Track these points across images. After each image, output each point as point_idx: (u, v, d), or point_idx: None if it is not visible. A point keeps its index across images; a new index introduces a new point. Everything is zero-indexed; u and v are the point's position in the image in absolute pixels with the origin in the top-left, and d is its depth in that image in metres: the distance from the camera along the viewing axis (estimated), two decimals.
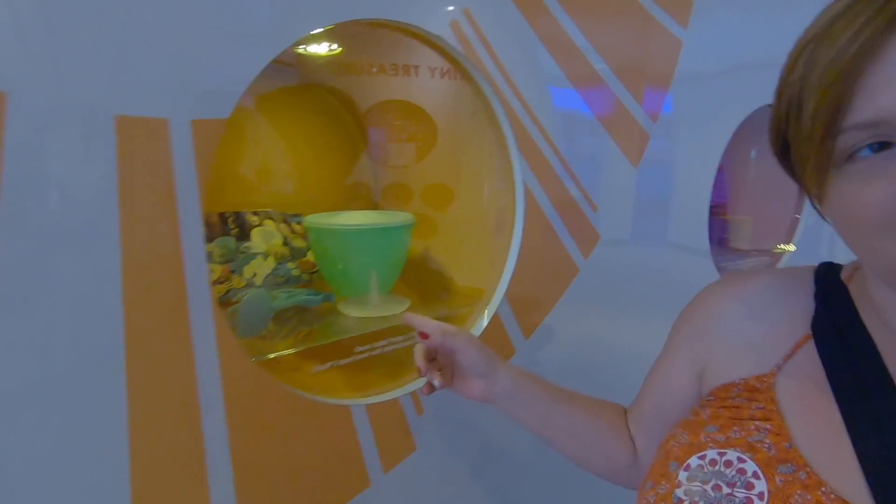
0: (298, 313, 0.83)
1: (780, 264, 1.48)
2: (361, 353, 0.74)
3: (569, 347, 1.00)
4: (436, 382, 0.56)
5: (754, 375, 0.44)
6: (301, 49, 0.85)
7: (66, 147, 0.45)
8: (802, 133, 0.37)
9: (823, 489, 0.35)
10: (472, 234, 1.03)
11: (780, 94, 0.39)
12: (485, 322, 0.87)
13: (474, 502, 0.89)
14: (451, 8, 0.72)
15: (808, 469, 0.37)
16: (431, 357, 0.58)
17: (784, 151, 0.40)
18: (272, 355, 0.65)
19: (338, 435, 0.70)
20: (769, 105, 0.40)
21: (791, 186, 0.41)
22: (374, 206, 1.20)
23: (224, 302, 0.82)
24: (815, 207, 0.41)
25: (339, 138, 1.13)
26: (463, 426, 0.86)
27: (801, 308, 0.45)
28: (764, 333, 0.46)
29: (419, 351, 0.57)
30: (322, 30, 0.61)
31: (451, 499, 0.86)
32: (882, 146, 0.34)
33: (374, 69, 0.95)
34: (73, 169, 0.46)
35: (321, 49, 0.84)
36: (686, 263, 1.18)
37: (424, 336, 0.57)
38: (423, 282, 1.05)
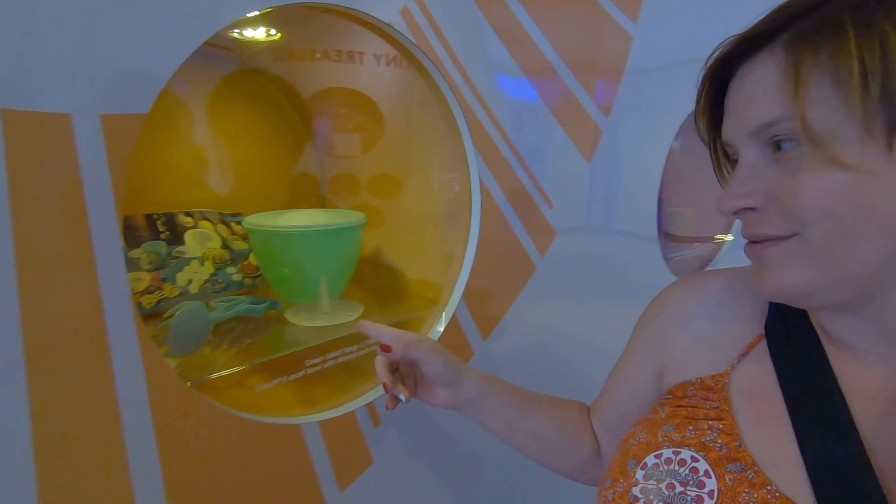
0: (241, 323, 0.76)
1: (721, 253, 1.54)
2: (313, 366, 0.69)
3: (528, 344, 0.99)
4: (402, 397, 0.53)
5: (710, 375, 0.44)
6: (237, 33, 0.78)
7: None
8: (704, 140, 0.46)
9: (769, 487, 0.36)
10: (424, 226, 0.99)
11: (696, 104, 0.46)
12: (442, 326, 0.84)
13: None
14: None
15: (756, 468, 0.38)
16: (394, 368, 0.55)
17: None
18: (212, 376, 0.59)
19: (288, 456, 0.65)
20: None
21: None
22: (321, 202, 1.13)
23: (156, 314, 0.74)
24: None
25: (281, 129, 1.05)
26: (422, 435, 0.82)
27: (755, 308, 0.46)
28: (720, 333, 0.46)
29: (381, 364, 0.54)
30: (260, 13, 0.54)
31: None
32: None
33: (318, 55, 0.89)
34: None
35: (259, 34, 0.77)
36: (639, 252, 1.20)
37: (386, 349, 0.53)
38: (377, 282, 1.00)
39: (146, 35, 0.47)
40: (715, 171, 0.46)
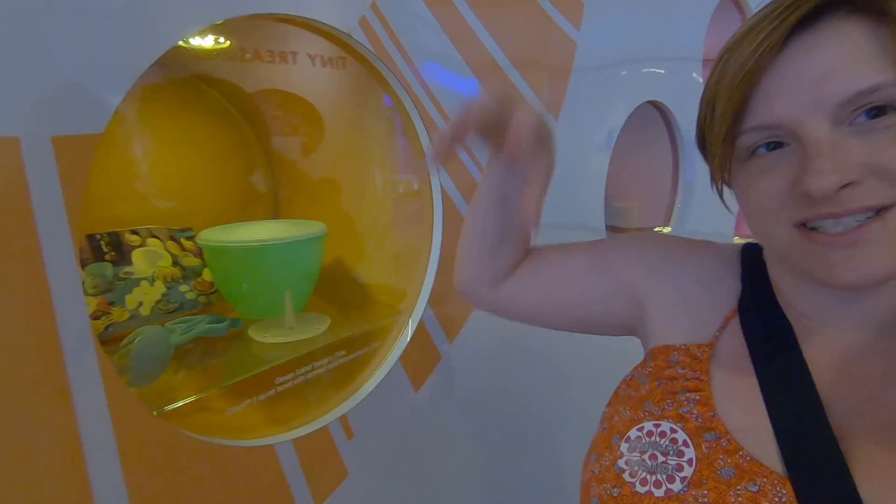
0: (201, 344, 0.73)
1: None
2: (283, 383, 0.67)
3: (493, 344, 1.01)
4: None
5: (696, 344, 0.47)
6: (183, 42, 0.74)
7: None
8: (714, 132, 0.40)
9: (741, 453, 0.39)
10: (385, 231, 0.99)
11: (702, 95, 0.42)
12: (410, 332, 0.84)
13: None
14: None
15: (729, 436, 0.40)
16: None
17: (703, 145, 0.44)
18: (178, 403, 0.56)
19: (262, 478, 0.63)
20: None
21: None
22: (275, 211, 1.10)
23: (106, 341, 0.69)
24: (719, 196, 0.45)
25: (228, 137, 1.01)
26: (396, 445, 0.82)
27: (730, 286, 0.48)
28: (705, 303, 0.49)
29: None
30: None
31: None
32: (776, 146, 0.38)
33: (248, 55, 0.84)
34: None
35: (207, 42, 0.73)
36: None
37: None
38: (340, 292, 0.99)
39: (99, 54, 0.44)
40: (719, 164, 0.41)
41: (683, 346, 0.46)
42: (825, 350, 0.42)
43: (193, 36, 0.64)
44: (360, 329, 0.82)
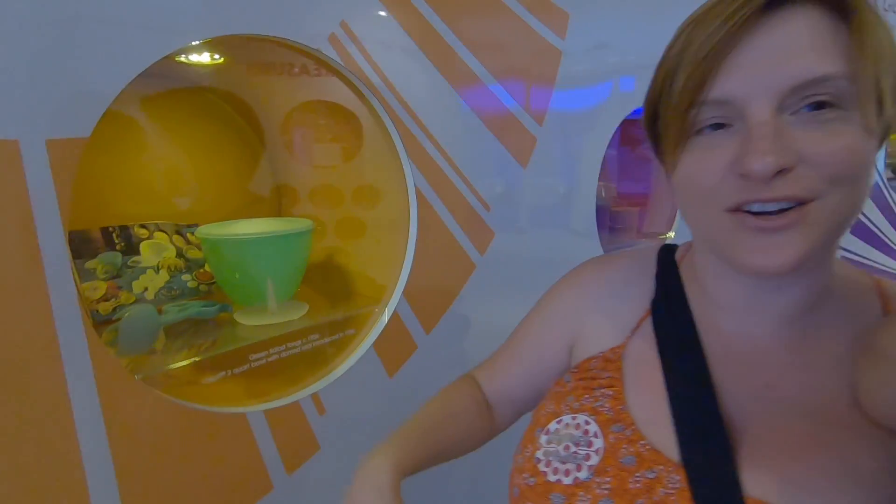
0: (193, 326, 0.82)
1: None
2: (257, 360, 0.75)
3: (470, 336, 1.06)
4: None
5: (610, 348, 0.50)
6: (183, 58, 0.84)
7: None
8: (671, 103, 0.40)
9: (642, 443, 0.42)
10: (374, 231, 1.06)
11: (659, 66, 0.42)
12: (385, 319, 0.91)
13: None
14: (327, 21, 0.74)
15: (634, 427, 0.43)
16: None
17: (653, 122, 0.44)
18: (163, 369, 0.65)
19: (234, 444, 0.71)
20: None
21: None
22: (276, 211, 1.20)
23: (114, 320, 0.80)
24: (669, 181, 0.45)
25: (235, 144, 1.11)
26: (366, 422, 0.89)
27: (645, 288, 0.52)
28: (621, 309, 0.52)
29: None
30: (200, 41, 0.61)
31: None
32: (720, 126, 0.39)
33: (296, 69, 0.92)
34: None
35: (204, 58, 0.83)
36: (579, 249, 1.29)
37: None
38: (327, 284, 1.07)
39: (89, 62, 0.53)
40: (672, 140, 0.41)
41: (601, 353, 0.50)
42: (734, 341, 0.45)
43: (188, 52, 0.74)
44: (335, 316, 0.90)
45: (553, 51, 1.14)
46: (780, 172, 0.36)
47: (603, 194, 1.53)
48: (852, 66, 0.35)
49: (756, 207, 0.38)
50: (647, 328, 0.50)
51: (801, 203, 0.37)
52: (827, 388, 0.41)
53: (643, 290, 0.52)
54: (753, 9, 0.36)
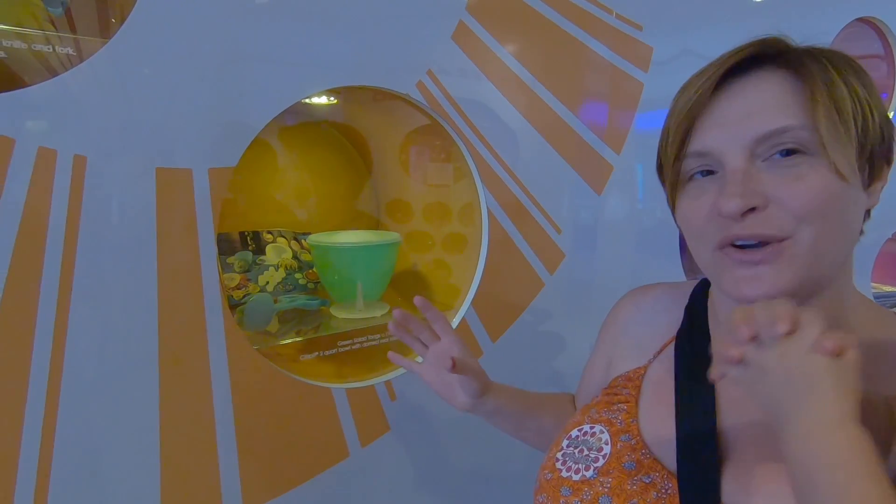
0: (298, 315, 1.02)
1: None
2: (343, 346, 0.92)
3: (533, 351, 1.15)
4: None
5: (633, 368, 0.57)
6: (307, 100, 1.05)
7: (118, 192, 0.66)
8: (666, 156, 0.48)
9: (644, 451, 0.49)
10: (455, 247, 1.20)
11: (662, 127, 0.50)
12: (454, 325, 1.03)
13: (442, 477, 1.05)
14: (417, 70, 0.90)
15: (639, 438, 0.50)
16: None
17: (661, 172, 0.52)
18: (272, 344, 0.84)
19: (321, 412, 0.88)
20: None
21: None
22: (376, 225, 1.38)
23: (243, 303, 1.02)
24: (674, 219, 0.52)
25: (345, 167, 1.32)
26: (432, 410, 1.02)
27: (675, 316, 0.58)
28: (650, 335, 0.59)
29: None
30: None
31: (420, 473, 1.02)
32: (709, 173, 0.46)
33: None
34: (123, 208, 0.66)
35: (322, 99, 1.04)
36: (654, 272, 1.30)
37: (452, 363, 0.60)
38: (411, 288, 1.22)
39: (234, 115, 0.74)
40: (670, 187, 0.49)
41: (626, 373, 0.57)
42: None
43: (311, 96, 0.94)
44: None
45: (635, 83, 1.19)
46: (753, 211, 0.42)
47: None
48: (809, 117, 0.41)
49: (739, 242, 0.43)
50: (669, 354, 0.56)
51: (780, 240, 0.42)
52: None
53: (672, 318, 0.57)
54: (718, 77, 0.44)
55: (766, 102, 0.42)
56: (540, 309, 1.14)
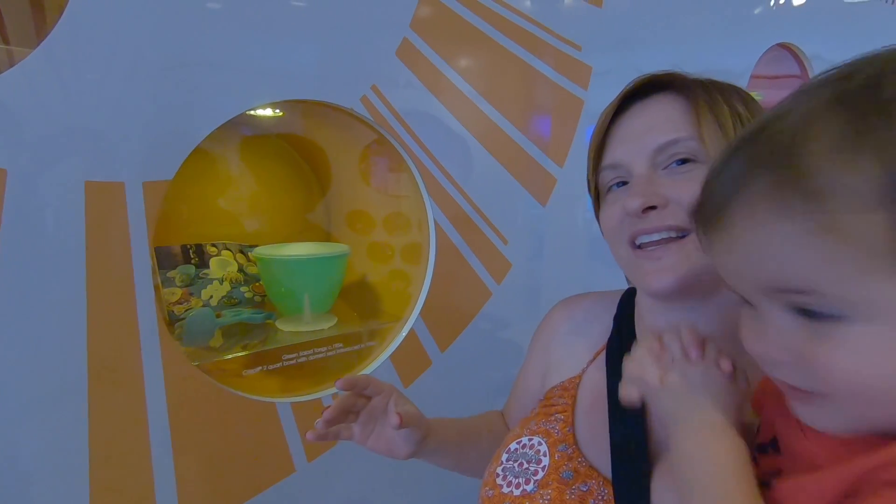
0: (244, 329, 1.00)
1: None
2: (288, 360, 0.91)
3: (481, 359, 1.17)
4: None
5: (569, 378, 0.59)
6: (252, 112, 1.04)
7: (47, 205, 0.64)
8: (589, 171, 0.55)
9: (580, 460, 0.51)
10: (395, 254, 1.21)
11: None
12: (402, 337, 1.04)
13: (391, 492, 1.05)
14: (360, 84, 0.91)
15: (576, 447, 0.52)
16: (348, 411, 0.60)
17: (588, 184, 0.57)
18: (213, 360, 0.83)
19: (265, 427, 0.86)
20: None
21: None
22: (326, 237, 1.38)
23: (184, 318, 0.99)
24: (599, 227, 0.56)
25: (292, 178, 1.31)
26: None
27: (605, 325, 0.60)
28: (582, 344, 0.61)
29: (339, 402, 0.59)
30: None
31: (370, 485, 1.02)
32: (623, 184, 0.51)
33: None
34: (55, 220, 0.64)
35: (267, 112, 1.03)
36: (598, 279, 1.35)
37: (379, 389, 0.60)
38: (360, 301, 1.22)
39: (169, 129, 0.73)
40: (595, 197, 0.56)
41: (561, 383, 0.59)
42: None
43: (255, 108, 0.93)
44: (360, 329, 1.04)
45: (576, 100, 1.25)
46: (653, 209, 0.48)
47: None
48: (696, 130, 0.48)
49: (644, 239, 0.49)
50: (600, 362, 0.58)
51: (681, 236, 0.47)
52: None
53: (604, 327, 0.60)
54: (620, 100, 0.53)
55: (661, 119, 0.50)
56: (488, 318, 1.16)
